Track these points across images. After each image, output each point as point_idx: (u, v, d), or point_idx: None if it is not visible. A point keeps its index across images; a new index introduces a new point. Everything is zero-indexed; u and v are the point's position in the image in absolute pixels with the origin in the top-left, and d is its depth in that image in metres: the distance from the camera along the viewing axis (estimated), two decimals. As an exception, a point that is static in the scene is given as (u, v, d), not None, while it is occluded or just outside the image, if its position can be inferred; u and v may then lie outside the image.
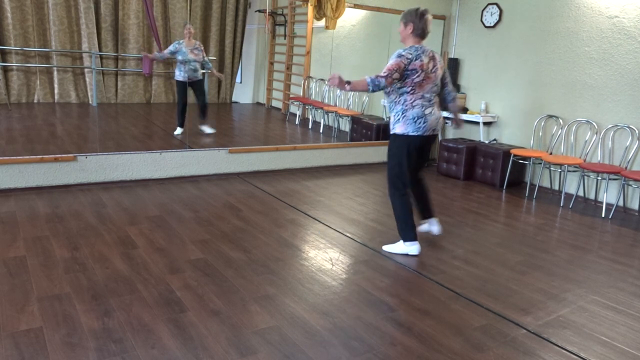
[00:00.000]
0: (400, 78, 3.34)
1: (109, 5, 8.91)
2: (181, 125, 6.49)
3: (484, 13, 6.36)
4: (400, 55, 3.34)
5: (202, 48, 6.58)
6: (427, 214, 3.90)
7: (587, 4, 5.33)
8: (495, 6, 6.22)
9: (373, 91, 3.28)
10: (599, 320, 2.83)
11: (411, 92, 3.40)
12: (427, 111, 3.44)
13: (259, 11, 9.68)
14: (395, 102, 3.46)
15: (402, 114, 3.44)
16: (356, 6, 6.63)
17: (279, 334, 2.48)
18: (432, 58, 3.44)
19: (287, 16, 8.96)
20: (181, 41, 6.34)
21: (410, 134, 3.44)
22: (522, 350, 2.48)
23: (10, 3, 8.07)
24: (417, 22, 3.39)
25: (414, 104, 3.41)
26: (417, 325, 2.65)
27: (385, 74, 3.26)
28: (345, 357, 2.33)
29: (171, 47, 6.41)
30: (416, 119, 3.42)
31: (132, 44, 9.19)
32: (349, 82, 3.19)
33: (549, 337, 2.61)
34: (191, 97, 6.70)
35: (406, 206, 3.55)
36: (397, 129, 3.48)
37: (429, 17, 3.42)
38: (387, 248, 3.68)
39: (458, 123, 3.87)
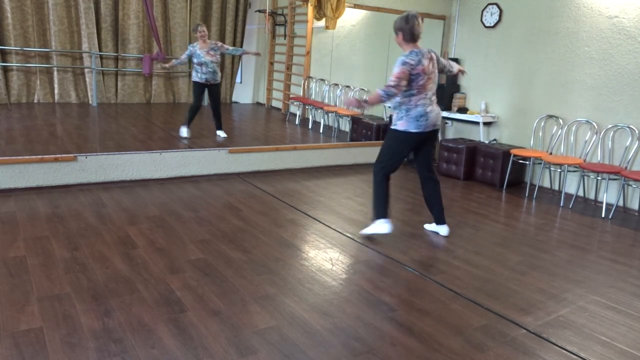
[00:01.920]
0: (408, 84, 3.55)
1: (109, 6, 8.89)
2: (188, 126, 6.35)
3: (484, 13, 6.37)
4: (404, 63, 3.52)
5: (220, 44, 6.28)
6: (438, 219, 4.01)
7: (587, 4, 5.33)
8: (495, 6, 6.22)
9: (386, 100, 3.56)
10: (599, 320, 2.83)
11: (417, 93, 3.60)
12: (429, 109, 3.66)
13: (259, 11, 9.68)
14: (401, 102, 3.65)
15: (406, 112, 3.65)
16: (356, 6, 6.63)
17: (279, 334, 2.48)
18: (431, 59, 3.65)
19: (287, 16, 8.96)
20: (195, 44, 6.20)
21: (412, 131, 3.66)
22: (522, 350, 2.48)
23: (10, 3, 8.06)
24: (405, 28, 3.55)
25: (417, 103, 3.62)
26: (417, 325, 2.65)
27: (395, 83, 3.49)
28: (345, 357, 2.33)
29: (187, 52, 6.21)
30: (419, 117, 3.63)
31: (132, 44, 9.18)
32: (365, 101, 3.55)
33: (549, 337, 2.62)
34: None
35: (383, 186, 3.77)
36: (399, 125, 3.70)
37: (417, 20, 3.53)
38: (363, 231, 3.90)
39: (462, 72, 4.05)
